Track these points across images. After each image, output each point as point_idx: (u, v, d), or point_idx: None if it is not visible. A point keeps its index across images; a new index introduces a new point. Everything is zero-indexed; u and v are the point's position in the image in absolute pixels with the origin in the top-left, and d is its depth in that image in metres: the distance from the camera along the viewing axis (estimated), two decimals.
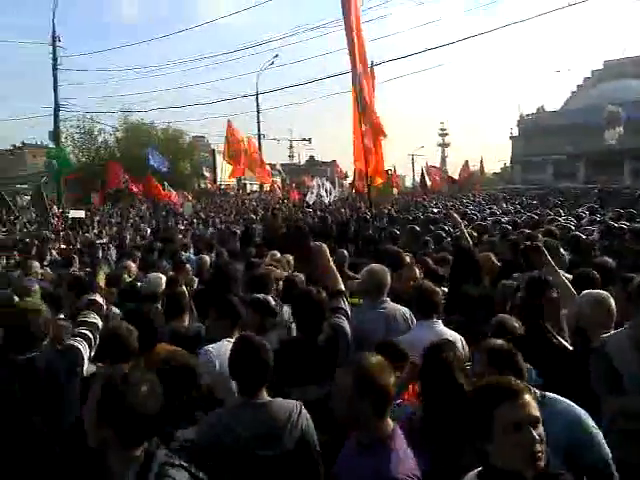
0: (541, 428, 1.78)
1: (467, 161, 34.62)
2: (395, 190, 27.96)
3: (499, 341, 2.69)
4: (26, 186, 38.93)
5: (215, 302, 3.87)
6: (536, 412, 1.80)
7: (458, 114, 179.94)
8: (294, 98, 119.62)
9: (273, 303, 4.18)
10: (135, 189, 23.17)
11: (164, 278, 5.43)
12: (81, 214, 20.16)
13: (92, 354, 3.19)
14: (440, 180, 32.18)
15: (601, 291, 3.52)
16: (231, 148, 18.84)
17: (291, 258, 6.61)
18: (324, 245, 4.19)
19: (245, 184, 43.34)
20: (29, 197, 35.75)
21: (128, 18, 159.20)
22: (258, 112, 41.48)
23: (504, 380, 1.94)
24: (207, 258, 7.36)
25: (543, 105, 60.27)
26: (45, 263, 8.14)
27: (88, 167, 36.73)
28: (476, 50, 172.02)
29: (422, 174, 29.79)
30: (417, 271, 5.24)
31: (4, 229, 19.56)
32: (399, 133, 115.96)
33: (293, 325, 3.91)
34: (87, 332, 3.22)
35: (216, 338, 3.55)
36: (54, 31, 27.99)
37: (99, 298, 3.76)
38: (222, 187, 43.36)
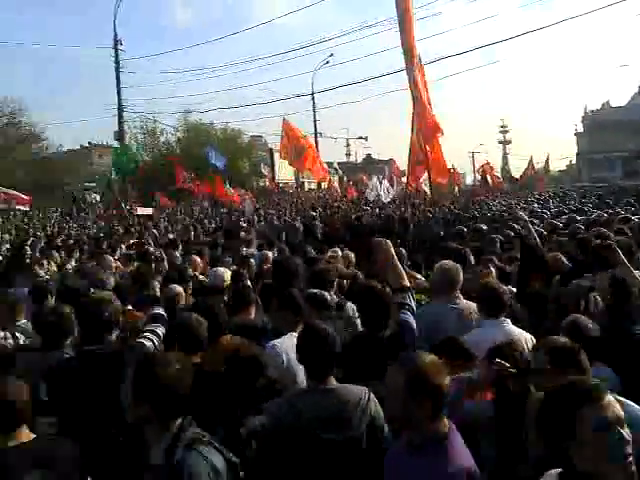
0: (627, 429, 1.69)
1: (532, 157, 33.49)
2: (456, 188, 27.45)
3: (562, 339, 2.62)
4: (94, 184, 40.64)
5: (277, 293, 3.95)
6: (621, 412, 1.70)
7: (520, 110, 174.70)
8: (349, 97, 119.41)
9: (329, 298, 4.18)
10: (201, 188, 23.68)
11: (228, 272, 5.52)
12: (148, 211, 20.88)
13: None
14: (502, 178, 31.35)
15: None
16: (291, 144, 18.67)
17: (352, 255, 6.60)
18: (386, 241, 4.13)
19: (303, 182, 43.63)
20: (97, 194, 37.27)
21: (183, 22, 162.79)
22: (314, 111, 41.59)
23: (584, 380, 1.86)
24: (270, 254, 7.41)
25: (608, 100, 57.79)
26: (116, 257, 8.44)
27: (151, 166, 37.82)
28: (534, 45, 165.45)
29: (482, 172, 29.16)
30: (493, 270, 5.09)
31: (75, 225, 20.51)
32: (458, 131, 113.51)
33: (358, 321, 3.90)
34: (153, 337, 3.45)
35: (280, 329, 3.62)
36: (116, 35, 28.93)
37: (162, 311, 4.02)
38: (280, 185, 43.77)
